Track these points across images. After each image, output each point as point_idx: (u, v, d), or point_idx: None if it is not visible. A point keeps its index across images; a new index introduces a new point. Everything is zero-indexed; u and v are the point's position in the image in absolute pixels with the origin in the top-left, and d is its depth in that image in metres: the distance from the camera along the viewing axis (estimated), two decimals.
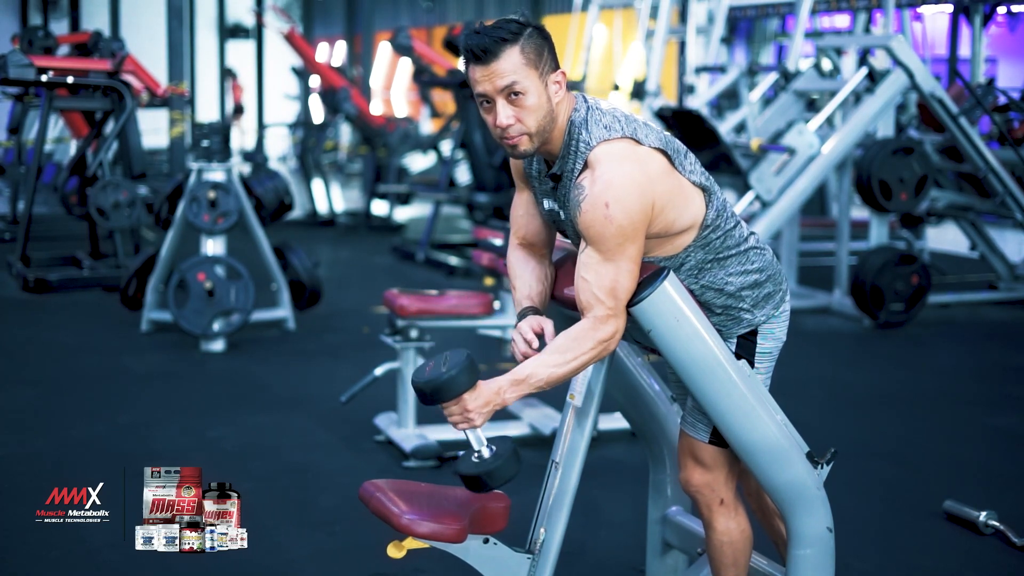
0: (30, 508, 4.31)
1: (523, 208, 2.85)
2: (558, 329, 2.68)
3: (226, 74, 19.69)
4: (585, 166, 2.58)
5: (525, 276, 2.84)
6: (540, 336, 2.72)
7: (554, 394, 5.05)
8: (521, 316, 2.78)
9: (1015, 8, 10.84)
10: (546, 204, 2.75)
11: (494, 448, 2.68)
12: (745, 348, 2.79)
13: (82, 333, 7.36)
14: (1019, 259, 9.13)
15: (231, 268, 6.89)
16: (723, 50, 13.05)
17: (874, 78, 7.83)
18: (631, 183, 2.53)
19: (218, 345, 6.88)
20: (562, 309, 2.86)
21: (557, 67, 2.62)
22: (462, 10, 20.83)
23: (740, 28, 15.13)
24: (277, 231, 9.05)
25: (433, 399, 2.56)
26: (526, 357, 2.67)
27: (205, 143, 7.02)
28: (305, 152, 13.31)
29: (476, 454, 2.68)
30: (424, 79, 11.53)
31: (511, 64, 2.54)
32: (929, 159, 7.81)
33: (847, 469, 4.14)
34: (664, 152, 2.62)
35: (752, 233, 2.80)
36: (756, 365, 2.79)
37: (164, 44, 9.69)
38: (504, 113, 2.57)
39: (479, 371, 2.58)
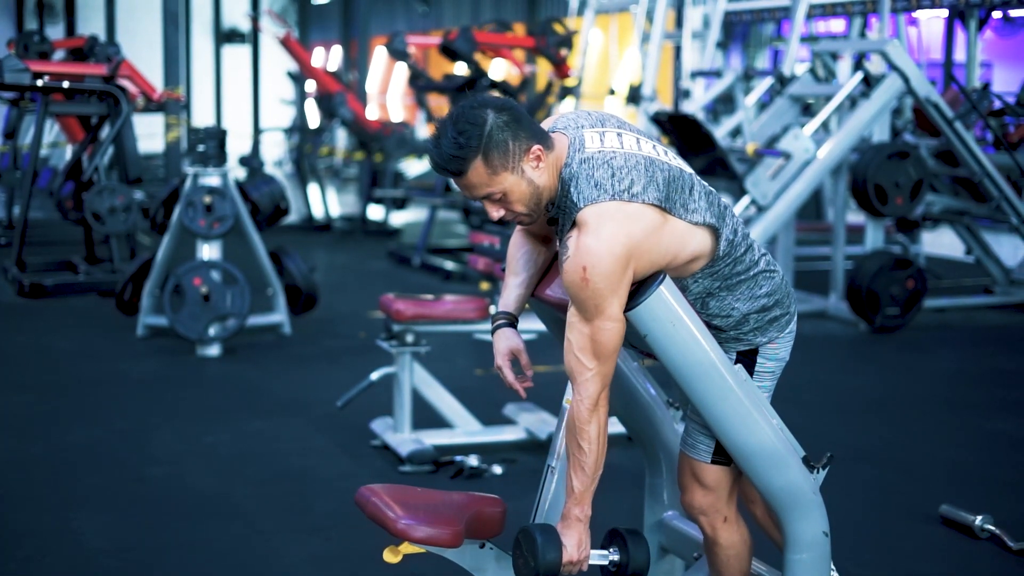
0: (27, 513, 4.32)
1: None
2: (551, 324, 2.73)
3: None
4: (574, 225, 2.58)
5: (517, 272, 2.90)
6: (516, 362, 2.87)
7: (550, 398, 5.05)
8: (495, 321, 2.89)
9: (1011, 13, 10.85)
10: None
11: (615, 549, 2.84)
12: (743, 365, 2.76)
13: (78, 338, 7.35)
14: (1015, 263, 9.14)
15: (227, 273, 6.88)
16: (719, 54, 13.06)
17: (870, 82, 7.84)
18: (610, 246, 2.51)
19: (214, 350, 6.87)
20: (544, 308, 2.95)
21: (531, 143, 2.58)
22: (458, 14, 20.84)
23: (736, 33, 15.16)
24: (273, 236, 9.04)
25: None
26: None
27: (201, 148, 7.01)
28: (301, 157, 13.30)
29: (610, 564, 2.83)
30: (420, 84, 11.53)
31: (479, 178, 2.58)
32: (925, 163, 7.82)
33: (843, 473, 4.14)
34: (658, 204, 2.57)
35: (764, 255, 2.77)
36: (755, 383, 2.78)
37: (160, 49, 9.68)
38: (493, 211, 2.65)
39: (551, 530, 2.68)
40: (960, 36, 11.72)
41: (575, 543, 2.67)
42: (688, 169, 2.70)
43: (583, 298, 2.54)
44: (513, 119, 2.58)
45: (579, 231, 2.55)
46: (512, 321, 2.88)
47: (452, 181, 2.64)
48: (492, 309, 5.09)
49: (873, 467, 4.97)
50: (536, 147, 2.59)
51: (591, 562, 2.75)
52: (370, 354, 6.19)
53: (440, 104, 13.76)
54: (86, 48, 9.37)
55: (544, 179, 2.61)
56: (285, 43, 12.59)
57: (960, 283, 8.97)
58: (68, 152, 11.29)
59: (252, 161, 14.07)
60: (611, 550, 2.84)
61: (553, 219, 2.70)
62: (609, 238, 2.51)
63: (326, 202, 13.09)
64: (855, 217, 10.23)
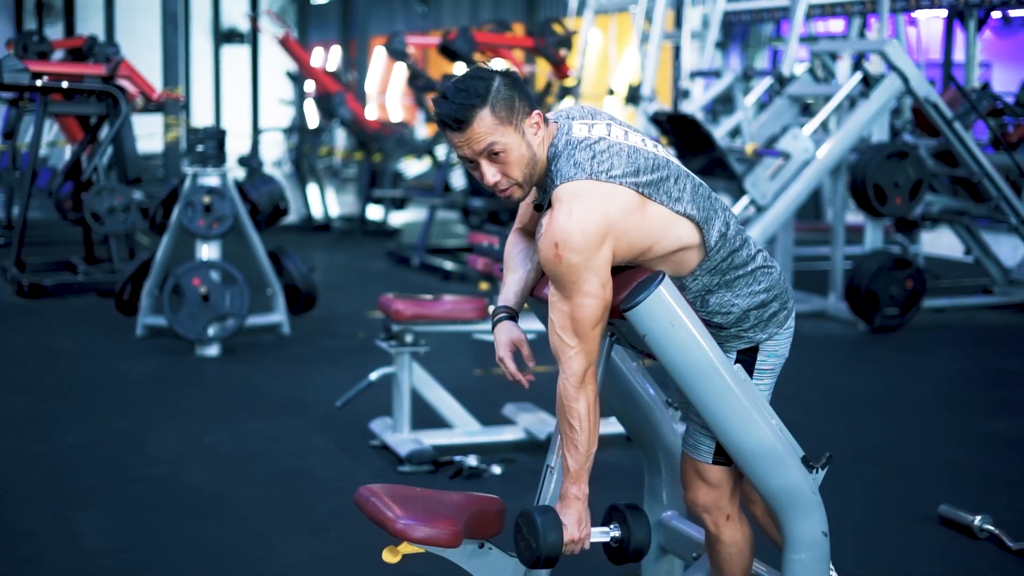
0: (26, 513, 4.32)
1: (526, 206, 2.92)
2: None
3: None
4: (551, 204, 2.62)
5: (515, 268, 2.92)
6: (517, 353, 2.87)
7: (549, 398, 5.05)
8: (495, 315, 2.90)
9: (1011, 13, 10.86)
10: None
11: (616, 525, 2.85)
12: (744, 364, 2.78)
13: (77, 338, 7.35)
14: (1013, 263, 9.14)
15: (226, 273, 6.88)
16: (718, 55, 13.06)
17: (869, 82, 7.84)
18: (580, 222, 2.54)
19: (213, 350, 6.87)
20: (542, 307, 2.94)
21: (532, 109, 2.66)
22: (457, 14, 20.84)
23: (735, 33, 15.15)
24: (272, 236, 9.04)
25: (555, 561, 2.70)
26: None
27: (200, 148, 7.01)
28: (300, 157, 13.30)
29: (611, 540, 2.85)
30: (419, 84, 11.54)
31: (485, 127, 2.60)
32: (924, 163, 7.82)
33: (842, 473, 4.15)
34: (635, 188, 2.60)
35: (760, 251, 2.79)
36: (755, 381, 2.78)
37: (159, 49, 9.69)
38: (490, 172, 2.66)
39: (550, 511, 2.69)
40: (959, 36, 11.72)
41: (575, 522, 2.68)
42: (676, 162, 2.74)
43: (559, 275, 2.58)
44: (516, 84, 2.66)
45: (552, 209, 2.59)
46: (512, 315, 2.89)
47: (451, 140, 2.65)
48: (491, 309, 5.09)
49: (872, 467, 4.97)
50: (536, 112, 2.66)
51: (592, 540, 2.76)
52: (369, 354, 6.19)
53: None
54: (85, 48, 9.37)
55: (540, 151, 2.66)
56: (284, 43, 12.59)
57: (959, 283, 8.97)
58: (67, 152, 11.30)
59: (251, 161, 14.06)
60: (612, 526, 2.84)
61: (539, 206, 2.74)
62: (581, 214, 2.55)
63: (325, 202, 13.09)
64: (854, 217, 10.23)
